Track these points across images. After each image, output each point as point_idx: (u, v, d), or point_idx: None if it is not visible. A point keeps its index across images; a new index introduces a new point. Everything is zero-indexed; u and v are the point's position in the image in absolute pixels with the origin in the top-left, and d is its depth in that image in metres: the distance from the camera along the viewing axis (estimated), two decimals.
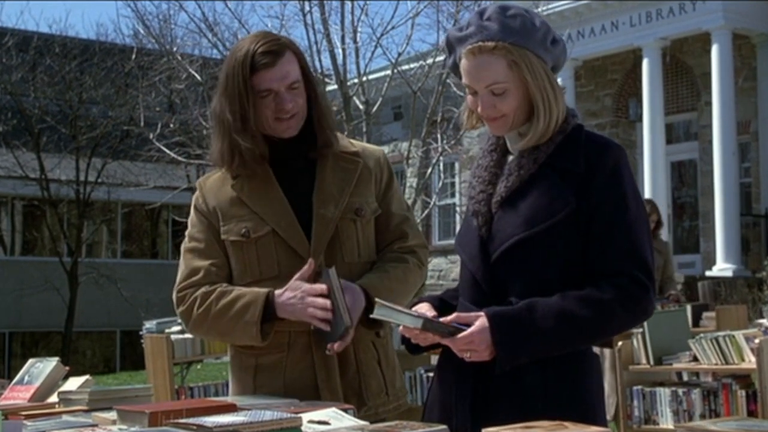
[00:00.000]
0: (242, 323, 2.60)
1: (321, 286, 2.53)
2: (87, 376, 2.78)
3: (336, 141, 2.78)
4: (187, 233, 2.79)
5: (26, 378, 2.81)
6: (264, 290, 2.61)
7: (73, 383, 2.71)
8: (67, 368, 2.89)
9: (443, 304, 2.44)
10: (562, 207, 2.25)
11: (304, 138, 2.72)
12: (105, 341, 26.50)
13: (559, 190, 2.27)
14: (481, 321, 2.21)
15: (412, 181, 13.87)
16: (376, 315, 2.23)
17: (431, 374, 6.55)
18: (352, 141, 2.88)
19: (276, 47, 2.64)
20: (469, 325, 2.23)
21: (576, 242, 2.26)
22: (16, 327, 25.17)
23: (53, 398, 2.69)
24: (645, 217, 2.32)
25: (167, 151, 14.23)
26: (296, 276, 2.58)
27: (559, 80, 2.43)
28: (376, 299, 2.25)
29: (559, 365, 2.26)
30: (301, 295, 2.55)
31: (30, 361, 2.90)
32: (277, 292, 2.59)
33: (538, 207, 2.26)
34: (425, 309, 2.37)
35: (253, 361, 2.70)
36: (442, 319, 2.26)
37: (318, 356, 2.64)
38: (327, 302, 2.52)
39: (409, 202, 13.01)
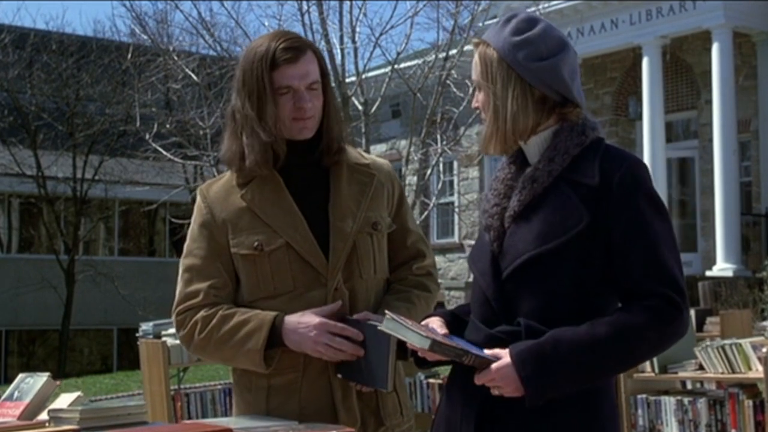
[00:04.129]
0: (245, 351, 2.49)
1: (350, 330, 2.44)
2: (78, 393, 2.72)
3: (346, 149, 2.68)
4: (186, 246, 2.65)
5: (16, 394, 2.75)
6: (270, 315, 2.50)
7: (65, 400, 2.64)
8: (58, 383, 2.82)
9: (455, 319, 2.35)
10: (575, 223, 2.15)
11: (316, 144, 2.62)
12: (102, 339, 26.46)
13: (573, 204, 2.16)
14: (504, 358, 2.12)
15: (410, 179, 13.81)
16: (383, 328, 2.15)
17: (431, 380, 6.50)
18: (362, 153, 2.79)
19: (298, 44, 2.58)
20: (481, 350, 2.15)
21: (591, 259, 2.16)
22: (13, 325, 25.13)
23: (43, 415, 2.61)
24: (670, 233, 2.20)
25: (163, 152, 14.15)
26: (321, 311, 2.48)
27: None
28: (386, 311, 2.17)
29: None
30: (316, 326, 2.44)
31: (20, 375, 2.85)
32: (287, 318, 2.49)
33: (551, 222, 2.17)
34: (437, 325, 2.28)
35: (264, 382, 2.56)
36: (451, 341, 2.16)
37: (335, 376, 2.53)
38: (353, 349, 2.44)
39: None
